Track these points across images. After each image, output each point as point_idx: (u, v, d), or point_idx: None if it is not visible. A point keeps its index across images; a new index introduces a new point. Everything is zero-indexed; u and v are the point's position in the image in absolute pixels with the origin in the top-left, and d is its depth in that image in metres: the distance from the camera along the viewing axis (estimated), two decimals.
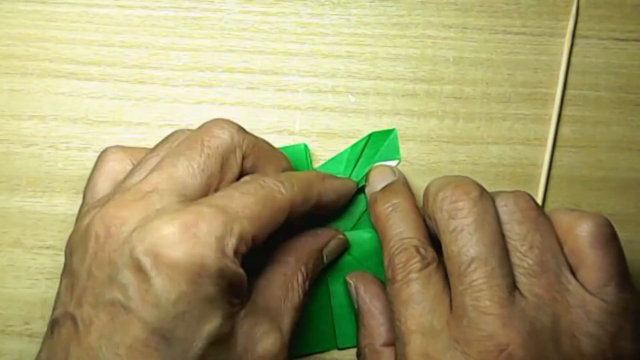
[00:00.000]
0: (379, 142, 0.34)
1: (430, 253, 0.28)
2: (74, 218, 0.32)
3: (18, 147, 0.35)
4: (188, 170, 0.26)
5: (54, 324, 0.25)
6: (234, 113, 0.35)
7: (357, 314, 0.31)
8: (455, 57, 0.36)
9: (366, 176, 0.33)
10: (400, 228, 0.29)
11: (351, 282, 0.31)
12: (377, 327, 0.30)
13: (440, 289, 0.27)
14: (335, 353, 0.33)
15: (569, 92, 0.36)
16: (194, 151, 0.27)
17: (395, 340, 0.27)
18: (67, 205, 0.34)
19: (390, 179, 0.32)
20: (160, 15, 0.36)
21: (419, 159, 0.35)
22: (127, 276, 0.24)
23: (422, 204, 0.30)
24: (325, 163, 0.34)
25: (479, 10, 0.37)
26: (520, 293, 0.25)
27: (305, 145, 0.34)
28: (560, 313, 0.25)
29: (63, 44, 0.36)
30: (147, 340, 0.23)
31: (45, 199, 0.34)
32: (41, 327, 0.33)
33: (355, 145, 0.34)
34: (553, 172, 0.35)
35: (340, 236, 0.32)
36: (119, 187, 0.27)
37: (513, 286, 0.25)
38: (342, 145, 0.35)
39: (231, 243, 0.24)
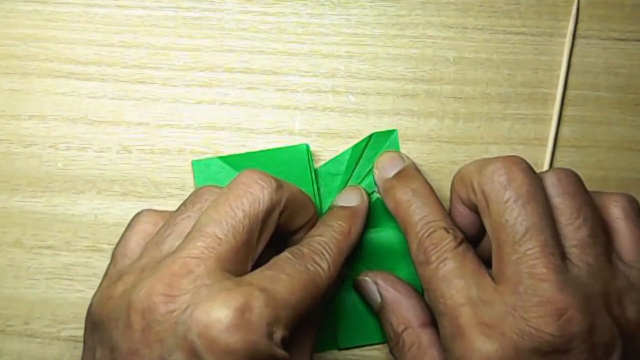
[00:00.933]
0: (380, 143, 0.34)
1: (459, 233, 0.28)
2: (74, 218, 0.32)
3: (18, 147, 0.35)
4: (231, 240, 0.26)
5: None
6: (234, 113, 0.35)
7: (379, 309, 0.31)
8: (455, 57, 0.36)
9: (374, 164, 0.33)
10: (425, 212, 0.29)
11: (367, 278, 0.31)
12: (409, 310, 0.30)
13: (477, 265, 0.27)
14: (335, 353, 0.33)
15: (569, 92, 0.36)
16: (235, 218, 0.26)
17: (441, 318, 0.27)
18: (67, 205, 0.34)
19: (401, 165, 0.32)
20: (160, 15, 0.36)
21: (419, 159, 0.35)
22: (180, 358, 0.23)
23: (451, 190, 0.30)
24: (326, 163, 0.34)
25: (479, 10, 0.37)
26: (572, 262, 0.26)
27: (307, 146, 0.34)
28: (609, 281, 0.26)
29: (63, 44, 0.36)
30: None
31: (45, 199, 0.34)
32: (41, 327, 0.33)
33: (356, 145, 0.34)
34: None
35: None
36: (155, 254, 0.27)
37: (564, 255, 0.26)
38: (342, 146, 0.35)
39: (279, 332, 0.24)
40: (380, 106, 0.35)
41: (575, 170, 0.34)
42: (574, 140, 0.35)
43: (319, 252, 0.28)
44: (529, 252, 0.25)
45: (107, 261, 0.29)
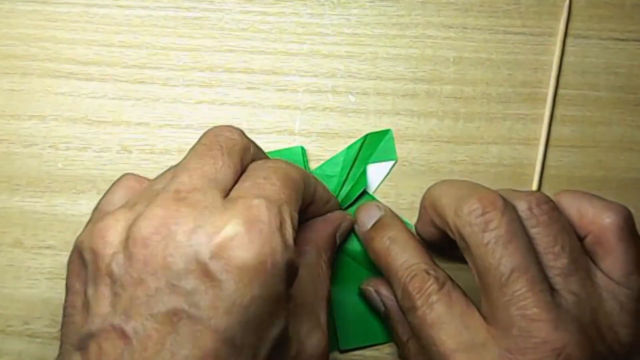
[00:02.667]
0: (375, 143, 0.34)
1: (442, 273, 0.28)
2: (74, 218, 0.32)
3: (18, 147, 0.35)
4: (216, 167, 0.25)
5: (87, 340, 0.23)
6: (234, 113, 0.35)
7: (384, 316, 0.31)
8: (455, 57, 0.36)
9: (354, 215, 0.33)
10: (404, 257, 0.29)
11: (369, 287, 0.31)
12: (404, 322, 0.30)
13: (465, 305, 0.27)
14: (336, 354, 0.33)
15: (569, 92, 0.36)
16: (215, 151, 0.26)
17: None
18: (67, 205, 0.34)
19: (377, 215, 0.32)
20: (160, 15, 0.36)
21: (419, 159, 0.35)
22: (193, 282, 0.22)
23: (421, 210, 0.30)
24: (322, 165, 0.34)
25: (479, 10, 0.37)
26: (558, 293, 0.25)
27: (302, 148, 0.34)
28: (597, 307, 0.25)
29: (63, 44, 0.36)
30: (217, 350, 0.22)
31: (45, 199, 0.34)
32: (41, 327, 0.33)
33: (351, 146, 0.34)
34: (553, 172, 0.35)
35: (349, 217, 0.32)
36: (151, 192, 0.26)
37: (552, 289, 0.25)
38: (342, 145, 0.35)
39: (289, 231, 0.24)
40: (380, 106, 0.35)
41: (573, 170, 0.35)
42: (574, 140, 0.35)
43: (281, 161, 0.28)
44: (517, 293, 0.25)
45: None
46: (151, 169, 0.34)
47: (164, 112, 0.35)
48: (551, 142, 0.35)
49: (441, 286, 0.27)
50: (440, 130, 0.35)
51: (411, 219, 0.34)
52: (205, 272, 0.22)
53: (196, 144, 0.27)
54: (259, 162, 0.27)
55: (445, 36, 0.36)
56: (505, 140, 0.35)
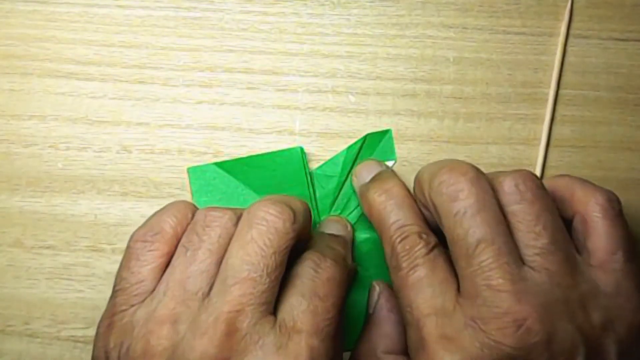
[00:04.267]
0: (375, 143, 0.34)
1: (432, 237, 0.28)
2: (74, 218, 0.32)
3: (18, 147, 0.35)
4: (266, 281, 0.25)
5: None
6: (234, 113, 0.35)
7: (368, 318, 0.31)
8: (455, 57, 0.36)
9: (352, 172, 0.33)
10: (398, 216, 0.29)
11: (377, 287, 0.31)
12: (382, 335, 0.30)
13: (446, 273, 0.27)
14: None
15: (569, 92, 0.36)
16: (266, 257, 0.25)
17: (408, 327, 0.27)
18: (67, 205, 0.34)
19: (377, 170, 0.32)
20: (160, 15, 0.36)
21: (419, 159, 0.35)
22: None
23: (414, 192, 0.30)
24: (322, 165, 0.34)
25: (479, 10, 0.37)
26: (532, 269, 0.25)
27: (301, 149, 0.34)
28: (572, 287, 0.25)
29: (63, 44, 0.36)
30: None
31: (45, 199, 0.34)
32: (41, 327, 0.33)
33: (351, 146, 0.34)
34: (553, 172, 0.35)
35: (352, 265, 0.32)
36: (183, 297, 0.25)
37: (521, 261, 0.25)
38: (342, 145, 0.35)
39: None
40: (380, 106, 0.35)
41: (573, 170, 0.35)
42: (574, 140, 0.35)
43: (331, 258, 0.28)
44: (483, 263, 0.25)
45: (107, 261, 0.29)
46: (151, 169, 0.34)
47: (164, 112, 0.35)
48: (551, 142, 0.35)
49: (429, 251, 0.27)
50: (440, 130, 0.35)
51: None
52: None
53: (242, 231, 0.26)
54: (305, 263, 0.27)
55: (445, 36, 0.36)
56: (505, 140, 0.35)
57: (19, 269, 0.33)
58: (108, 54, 0.36)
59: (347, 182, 0.34)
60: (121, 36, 0.36)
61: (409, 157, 0.35)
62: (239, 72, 0.36)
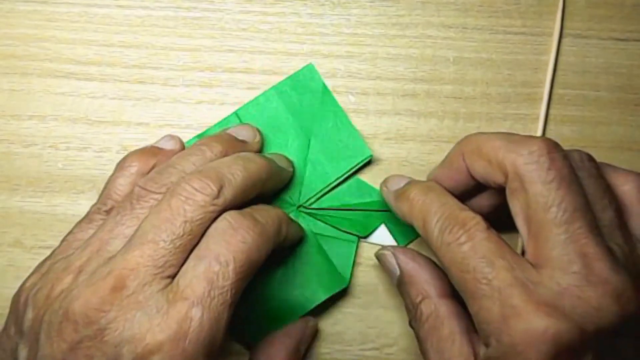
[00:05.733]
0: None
1: (483, 218, 0.27)
2: (74, 218, 0.32)
3: (18, 147, 0.35)
4: (170, 249, 0.25)
5: None
6: None
7: (398, 282, 0.31)
8: (455, 57, 0.36)
9: (381, 184, 0.33)
10: (446, 199, 0.29)
11: (386, 252, 0.31)
12: (427, 281, 0.29)
13: (511, 249, 0.26)
14: (336, 353, 0.33)
15: (569, 92, 0.36)
16: (176, 227, 0.26)
17: (484, 300, 0.26)
18: (67, 205, 0.34)
19: (406, 180, 0.32)
20: (160, 15, 0.36)
21: (419, 159, 0.35)
22: None
23: (452, 158, 0.30)
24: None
25: (479, 10, 0.37)
26: (608, 244, 0.26)
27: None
28: (637, 262, 0.26)
29: (63, 44, 0.36)
30: None
31: (45, 199, 0.34)
32: None
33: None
34: None
35: (312, 323, 0.32)
36: (97, 253, 0.27)
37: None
38: None
39: (218, 343, 0.25)
40: (380, 106, 0.35)
41: None
42: (574, 140, 0.35)
43: (255, 218, 0.28)
44: (578, 231, 0.25)
45: None
46: None
47: (164, 112, 0.35)
48: None
49: (488, 226, 0.27)
50: (440, 130, 0.35)
51: None
52: None
53: (163, 201, 0.27)
54: (219, 221, 0.27)
55: (445, 36, 0.36)
56: None
57: (19, 269, 0.33)
58: (108, 54, 0.36)
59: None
60: (121, 36, 0.36)
61: (409, 157, 0.35)
62: (239, 72, 0.36)
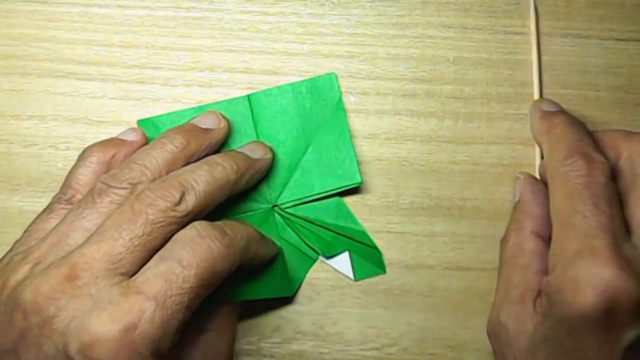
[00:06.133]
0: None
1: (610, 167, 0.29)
2: None
3: (18, 147, 0.35)
4: (128, 246, 0.26)
5: None
6: None
7: (514, 205, 0.32)
8: (455, 57, 0.36)
9: (532, 104, 0.34)
10: (584, 136, 0.30)
11: (521, 176, 0.32)
12: (531, 216, 0.30)
13: (619, 201, 0.27)
14: (336, 353, 0.33)
15: (569, 92, 0.36)
16: (136, 226, 0.26)
17: (571, 230, 0.27)
18: None
19: (560, 107, 0.33)
20: (160, 15, 0.36)
21: (419, 159, 0.35)
22: None
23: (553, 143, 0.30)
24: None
25: (479, 10, 0.37)
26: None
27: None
28: None
29: (63, 44, 0.36)
30: None
31: (45, 199, 0.34)
32: None
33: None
34: None
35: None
36: (56, 245, 0.27)
37: None
38: None
39: (167, 343, 0.25)
40: (380, 106, 0.35)
41: None
42: None
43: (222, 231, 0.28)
44: None
45: None
46: None
47: (164, 112, 0.35)
48: None
49: (610, 175, 0.28)
50: (440, 130, 0.35)
51: (412, 218, 0.34)
52: None
53: (126, 203, 0.27)
54: (189, 229, 0.27)
55: (445, 36, 0.36)
56: (505, 140, 0.35)
57: None
58: (108, 54, 0.36)
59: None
60: (121, 36, 0.36)
61: (409, 157, 0.35)
62: (239, 72, 0.36)
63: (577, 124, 0.31)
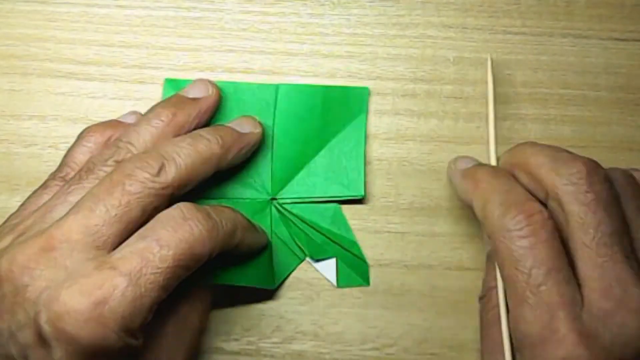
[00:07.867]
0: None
1: (549, 213, 0.27)
2: None
3: (18, 147, 0.35)
4: (105, 218, 0.25)
5: None
6: None
7: (487, 255, 0.31)
8: (455, 57, 0.36)
9: (449, 163, 0.33)
10: (512, 185, 0.28)
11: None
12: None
13: (564, 255, 0.26)
14: (336, 353, 0.33)
15: (569, 92, 0.36)
16: (113, 197, 0.26)
17: (525, 308, 0.26)
18: None
19: (475, 162, 0.32)
20: (160, 15, 0.36)
21: (419, 159, 0.35)
22: (28, 337, 0.24)
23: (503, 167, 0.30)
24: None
25: (479, 10, 0.37)
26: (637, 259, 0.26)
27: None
28: None
29: (63, 44, 0.36)
30: None
31: None
32: None
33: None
34: None
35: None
36: (40, 218, 0.27)
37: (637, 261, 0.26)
38: None
39: (138, 321, 0.24)
40: (380, 106, 0.35)
41: None
42: (574, 140, 0.35)
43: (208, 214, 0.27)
44: (615, 256, 0.25)
45: None
46: None
47: None
48: (551, 142, 0.35)
49: (553, 227, 0.27)
50: (440, 130, 0.35)
51: (412, 218, 0.34)
52: (38, 333, 0.23)
53: (106, 176, 0.27)
54: (172, 209, 0.27)
55: (445, 36, 0.36)
56: (505, 140, 0.35)
57: None
58: (108, 54, 0.36)
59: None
60: (121, 36, 0.36)
61: (409, 157, 0.35)
62: (239, 72, 0.36)
63: (500, 173, 0.30)
